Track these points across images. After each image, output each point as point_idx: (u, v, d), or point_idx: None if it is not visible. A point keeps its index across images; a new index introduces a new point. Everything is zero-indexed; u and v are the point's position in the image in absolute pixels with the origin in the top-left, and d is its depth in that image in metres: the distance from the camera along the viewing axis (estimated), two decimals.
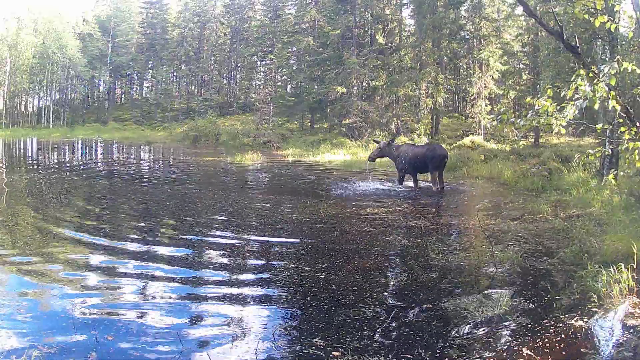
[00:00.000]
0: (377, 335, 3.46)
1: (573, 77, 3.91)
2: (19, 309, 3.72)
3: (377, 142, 12.75)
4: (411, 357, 3.11)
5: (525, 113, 4.59)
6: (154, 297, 4.11)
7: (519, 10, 24.47)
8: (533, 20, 16.29)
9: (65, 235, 6.29)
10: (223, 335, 3.42)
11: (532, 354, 3.03)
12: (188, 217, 7.80)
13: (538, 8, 16.69)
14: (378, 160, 12.68)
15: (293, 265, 5.11)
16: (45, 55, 46.12)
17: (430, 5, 25.25)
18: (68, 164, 17.54)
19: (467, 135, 23.19)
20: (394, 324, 3.66)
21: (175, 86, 52.38)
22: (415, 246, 5.86)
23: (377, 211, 8.17)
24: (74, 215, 7.83)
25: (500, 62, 24.38)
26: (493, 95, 24.96)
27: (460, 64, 29.29)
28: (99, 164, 18.33)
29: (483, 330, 3.48)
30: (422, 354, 3.16)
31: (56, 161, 18.83)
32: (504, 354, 3.10)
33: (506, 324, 3.58)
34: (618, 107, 3.94)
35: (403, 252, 5.75)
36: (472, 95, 24.65)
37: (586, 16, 4.30)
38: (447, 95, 28.28)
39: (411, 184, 11.29)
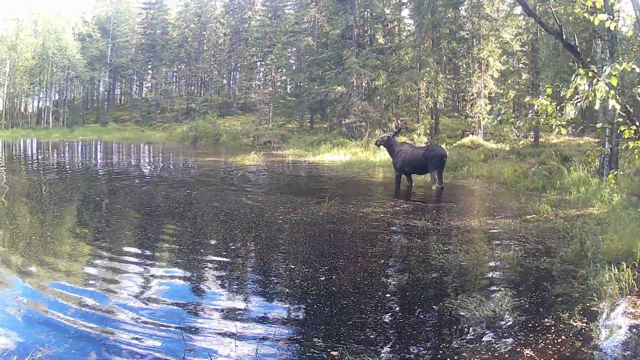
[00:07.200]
0: (377, 335, 3.47)
1: (573, 77, 3.91)
2: (20, 309, 3.72)
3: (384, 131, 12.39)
4: (411, 357, 3.11)
5: (524, 113, 4.60)
6: (155, 297, 4.11)
7: (518, 9, 24.45)
8: (532, 19, 16.28)
9: (65, 235, 6.30)
10: (224, 335, 3.42)
11: (533, 353, 3.04)
12: (187, 217, 7.81)
13: (537, 7, 16.67)
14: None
15: (293, 266, 5.11)
16: (45, 56, 46.02)
17: (429, 4, 25.24)
18: (68, 165, 17.53)
19: (467, 135, 23.16)
20: (395, 324, 3.66)
21: (175, 86, 52.35)
22: (415, 246, 5.86)
23: (377, 211, 8.16)
24: (73, 215, 7.83)
25: (500, 62, 24.34)
26: (493, 95, 24.93)
27: (460, 63, 29.23)
28: (99, 164, 18.31)
29: (484, 329, 3.48)
30: (423, 353, 3.17)
31: (56, 162, 18.81)
32: (505, 353, 3.10)
33: (507, 323, 3.58)
34: (618, 107, 3.94)
35: (403, 252, 5.75)
36: (472, 94, 24.61)
37: (586, 15, 4.29)
38: (447, 95, 28.25)
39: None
